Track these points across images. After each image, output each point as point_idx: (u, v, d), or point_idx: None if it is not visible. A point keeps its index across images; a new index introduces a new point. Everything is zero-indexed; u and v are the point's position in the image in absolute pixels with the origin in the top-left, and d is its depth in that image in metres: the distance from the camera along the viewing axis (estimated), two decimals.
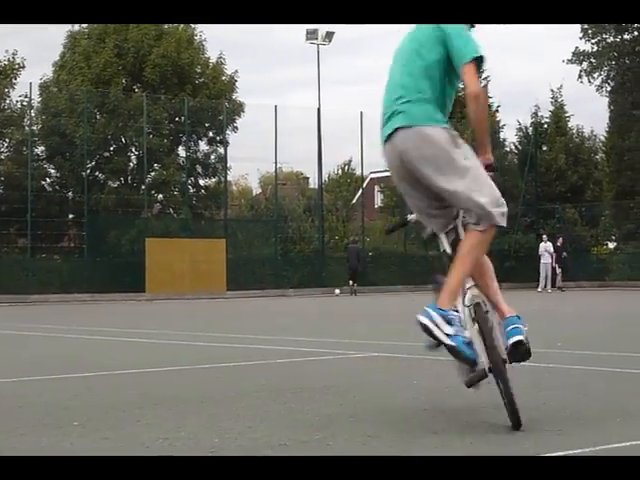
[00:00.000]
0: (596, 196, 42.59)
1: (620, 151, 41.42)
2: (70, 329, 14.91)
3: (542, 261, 34.61)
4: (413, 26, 4.85)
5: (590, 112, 70.92)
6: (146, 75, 36.87)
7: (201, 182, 38.96)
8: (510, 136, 44.57)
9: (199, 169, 38.32)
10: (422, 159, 4.63)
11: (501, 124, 42.35)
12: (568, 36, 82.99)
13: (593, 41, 42.96)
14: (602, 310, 19.48)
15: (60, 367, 8.45)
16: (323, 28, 38.64)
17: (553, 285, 34.43)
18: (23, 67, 35.54)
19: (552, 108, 43.15)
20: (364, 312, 20.59)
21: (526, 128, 42.44)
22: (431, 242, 4.98)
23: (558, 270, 35.00)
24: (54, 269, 33.38)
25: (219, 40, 66.23)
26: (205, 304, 27.11)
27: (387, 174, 5.51)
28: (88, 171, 35.21)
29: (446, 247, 4.79)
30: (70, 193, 36.01)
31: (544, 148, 42.18)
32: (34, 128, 35.28)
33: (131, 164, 37.25)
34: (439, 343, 4.47)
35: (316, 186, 42.37)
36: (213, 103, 37.20)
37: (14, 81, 35.17)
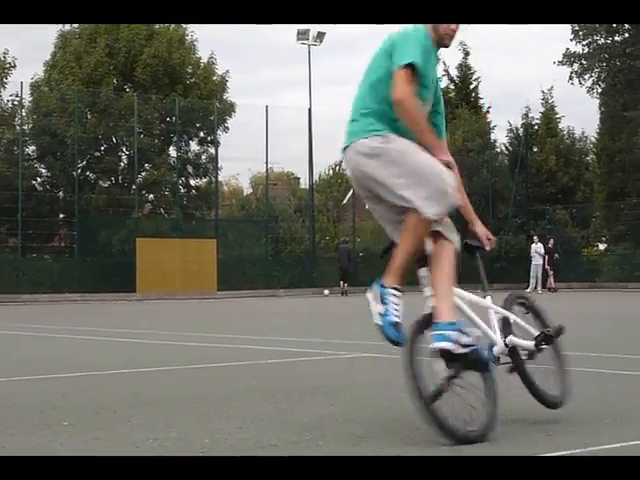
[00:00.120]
0: (587, 197, 42.64)
1: (611, 153, 41.43)
2: (60, 329, 14.88)
3: (533, 262, 34.66)
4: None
5: (581, 113, 71.25)
6: (137, 75, 36.85)
7: (192, 182, 39.00)
8: (501, 137, 44.77)
9: (190, 169, 38.33)
10: (365, 176, 4.66)
11: (492, 125, 42.50)
12: (559, 37, 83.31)
13: (584, 43, 42.96)
14: (592, 311, 19.51)
15: (50, 367, 8.44)
16: (314, 28, 38.77)
17: (543, 286, 34.49)
18: (14, 66, 35.57)
19: (543, 109, 43.22)
20: (355, 312, 20.55)
21: (517, 129, 42.49)
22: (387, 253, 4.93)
23: (550, 272, 35.04)
24: (45, 269, 33.36)
25: (210, 40, 65.92)
26: (196, 304, 27.09)
27: None
28: (79, 171, 35.20)
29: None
30: (61, 193, 36.00)
31: (535, 149, 42.23)
32: (25, 128, 35.26)
33: (122, 164, 37.24)
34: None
35: (307, 186, 42.41)
36: (204, 103, 37.20)
37: (5, 80, 35.16)
